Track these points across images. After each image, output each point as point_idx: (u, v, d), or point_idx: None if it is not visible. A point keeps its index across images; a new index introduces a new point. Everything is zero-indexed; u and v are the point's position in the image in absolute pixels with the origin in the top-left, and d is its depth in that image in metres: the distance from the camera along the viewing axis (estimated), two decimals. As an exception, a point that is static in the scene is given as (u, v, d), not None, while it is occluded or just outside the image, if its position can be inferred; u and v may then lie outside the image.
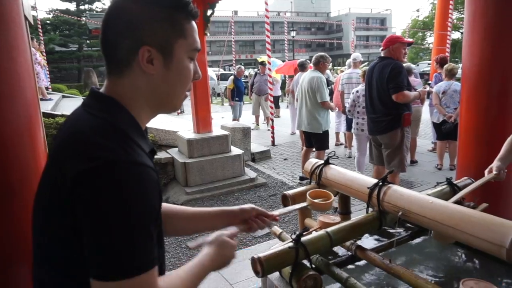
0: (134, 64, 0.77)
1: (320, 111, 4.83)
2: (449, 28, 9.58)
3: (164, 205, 1.03)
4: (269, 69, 7.76)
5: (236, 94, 8.97)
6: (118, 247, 0.65)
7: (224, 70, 23.77)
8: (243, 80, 9.85)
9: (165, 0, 0.77)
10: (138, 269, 0.66)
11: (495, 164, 1.86)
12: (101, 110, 0.76)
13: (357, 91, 4.73)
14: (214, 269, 0.92)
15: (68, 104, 9.11)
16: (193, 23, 0.83)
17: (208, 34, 5.57)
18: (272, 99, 7.85)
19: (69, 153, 0.71)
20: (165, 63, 0.78)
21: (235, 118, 9.11)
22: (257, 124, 9.68)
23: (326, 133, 4.94)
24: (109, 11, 0.77)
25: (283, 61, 12.86)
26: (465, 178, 1.92)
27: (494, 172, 1.82)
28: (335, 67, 18.21)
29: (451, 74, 5.41)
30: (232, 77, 9.16)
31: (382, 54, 3.68)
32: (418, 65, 21.68)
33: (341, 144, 7.17)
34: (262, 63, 9.07)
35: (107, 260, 0.65)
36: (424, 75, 13.78)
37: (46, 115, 4.98)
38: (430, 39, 28.85)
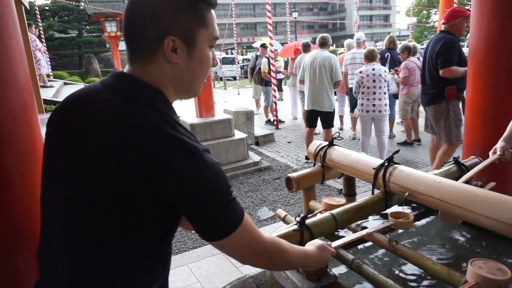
0: (159, 53, 0.79)
1: (332, 90, 4.95)
2: (454, 5, 9.35)
3: None
4: (272, 51, 7.48)
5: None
6: (226, 209, 0.78)
7: (226, 53, 23.53)
8: (241, 64, 9.37)
9: None
10: (241, 218, 0.80)
11: (499, 144, 1.83)
12: (146, 99, 0.79)
13: (361, 72, 4.66)
14: (311, 263, 1.08)
15: (69, 91, 9.05)
16: (213, 11, 0.85)
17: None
18: (275, 82, 7.74)
19: (148, 146, 0.72)
20: (188, 52, 0.81)
21: (268, 105, 8.20)
22: (258, 108, 9.56)
23: (334, 112, 5.13)
24: (132, 4, 0.79)
25: (282, 44, 12.56)
26: (473, 157, 1.89)
27: (498, 153, 1.80)
28: (337, 48, 17.94)
29: None
30: (265, 59, 8.00)
31: (443, 28, 3.67)
32: (422, 44, 21.31)
33: (341, 129, 7.09)
34: (263, 46, 8.86)
35: (222, 221, 0.78)
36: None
37: (47, 102, 4.96)
38: (435, 17, 28.25)
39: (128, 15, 0.80)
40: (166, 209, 0.78)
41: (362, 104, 4.73)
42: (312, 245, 1.08)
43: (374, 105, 4.58)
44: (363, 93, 4.66)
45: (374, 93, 4.54)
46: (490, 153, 1.85)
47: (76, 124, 0.80)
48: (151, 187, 0.73)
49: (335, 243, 1.21)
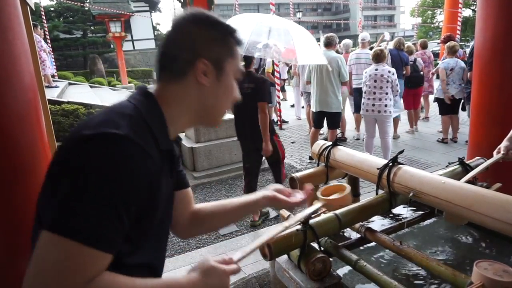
0: (189, 74, 0.85)
1: (340, 90, 4.94)
2: (460, 5, 9.29)
3: (210, 206, 1.08)
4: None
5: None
6: (79, 208, 0.64)
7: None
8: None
9: (221, 25, 0.88)
10: (86, 238, 0.64)
11: (503, 144, 1.82)
12: (136, 99, 0.83)
13: (365, 72, 4.69)
14: None
15: (74, 91, 9.12)
16: (239, 49, 0.94)
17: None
18: (279, 83, 7.72)
19: (78, 124, 0.75)
20: (217, 77, 0.87)
21: (272, 106, 7.36)
22: None
23: (341, 112, 5.15)
24: (172, 28, 0.87)
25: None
26: (478, 158, 1.87)
27: (502, 152, 1.78)
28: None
29: (453, 51, 5.65)
30: (270, 60, 7.06)
31: None
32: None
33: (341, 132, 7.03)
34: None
35: (62, 214, 0.65)
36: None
37: (52, 102, 4.99)
38: (440, 17, 28.11)
39: (165, 41, 0.87)
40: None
41: (363, 103, 4.76)
42: (195, 271, 0.80)
43: (373, 105, 4.58)
44: (365, 92, 4.69)
45: (375, 93, 4.54)
46: (494, 152, 1.83)
47: None
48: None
49: (236, 255, 0.88)
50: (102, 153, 0.68)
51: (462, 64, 5.54)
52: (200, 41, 0.85)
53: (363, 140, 5.49)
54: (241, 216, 1.11)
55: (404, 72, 5.98)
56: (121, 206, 0.68)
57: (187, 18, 0.87)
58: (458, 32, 9.08)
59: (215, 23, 0.88)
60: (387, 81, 4.47)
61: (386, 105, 4.55)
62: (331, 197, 1.17)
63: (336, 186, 1.23)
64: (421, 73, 6.41)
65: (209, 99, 0.89)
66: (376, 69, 4.51)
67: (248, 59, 3.45)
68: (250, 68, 3.46)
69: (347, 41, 6.80)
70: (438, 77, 6.01)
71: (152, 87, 0.89)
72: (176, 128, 0.89)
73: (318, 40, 5.82)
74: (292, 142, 6.56)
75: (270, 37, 4.04)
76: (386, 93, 4.52)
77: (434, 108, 8.17)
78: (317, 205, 1.17)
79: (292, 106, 9.19)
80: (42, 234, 0.65)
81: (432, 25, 30.67)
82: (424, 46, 7.21)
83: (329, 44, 4.98)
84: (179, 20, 0.87)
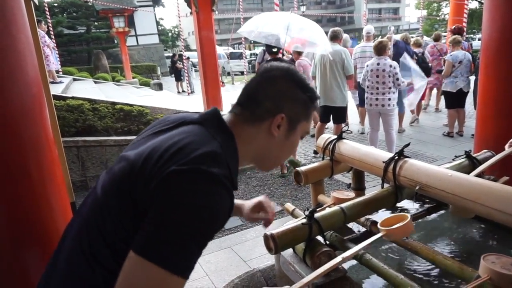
0: (265, 123, 0.92)
1: (345, 84, 4.91)
2: (466, -3, 9.17)
3: None
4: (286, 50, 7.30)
5: None
6: (171, 239, 0.70)
7: (234, 48, 23.46)
8: (249, 58, 9.37)
9: (309, 90, 0.96)
10: (174, 267, 0.70)
11: None
12: (220, 136, 0.86)
13: (367, 65, 4.65)
14: None
15: (78, 87, 9.15)
16: (314, 114, 1.02)
17: (216, 12, 5.46)
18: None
19: (172, 153, 0.76)
20: (287, 132, 0.95)
21: None
22: None
23: (347, 107, 5.14)
24: (266, 77, 0.94)
25: None
26: (485, 151, 1.85)
27: None
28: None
29: (455, 42, 5.69)
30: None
31: None
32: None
33: (346, 125, 7.00)
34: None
35: (155, 241, 0.70)
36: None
37: (56, 97, 5.00)
38: (446, 10, 27.77)
39: (256, 86, 0.95)
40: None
41: (366, 98, 4.74)
42: None
43: (377, 99, 4.55)
44: (367, 87, 4.66)
45: (377, 88, 4.51)
46: (506, 146, 1.81)
47: None
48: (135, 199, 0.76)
49: (341, 256, 0.99)
50: (201, 191, 0.73)
51: (470, 56, 5.53)
52: (287, 99, 0.93)
53: (367, 134, 5.47)
54: None
55: None
56: (208, 241, 0.76)
57: (283, 74, 0.94)
58: (464, 24, 8.96)
59: (305, 87, 0.96)
60: (389, 76, 4.43)
61: (389, 99, 4.52)
62: (393, 227, 1.15)
63: (396, 216, 1.20)
64: (430, 64, 6.37)
65: (273, 150, 0.97)
66: (378, 64, 4.46)
67: (277, 48, 4.86)
68: (278, 55, 4.80)
69: (345, 36, 6.77)
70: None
71: (226, 117, 0.94)
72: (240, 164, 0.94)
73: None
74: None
75: (288, 31, 4.79)
76: (389, 87, 4.49)
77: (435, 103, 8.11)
78: (378, 234, 1.18)
79: None
80: (133, 257, 0.70)
81: (438, 18, 30.31)
82: (436, 39, 7.15)
83: (335, 37, 4.94)
84: (275, 72, 0.94)
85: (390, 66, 4.42)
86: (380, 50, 4.46)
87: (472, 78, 5.84)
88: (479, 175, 1.49)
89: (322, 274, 1.05)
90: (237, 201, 1.19)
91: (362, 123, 6.51)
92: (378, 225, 1.19)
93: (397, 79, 4.45)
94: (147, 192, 0.74)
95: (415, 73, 5.07)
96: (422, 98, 6.70)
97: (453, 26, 6.66)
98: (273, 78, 0.94)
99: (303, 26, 5.00)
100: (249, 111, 0.93)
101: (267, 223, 1.26)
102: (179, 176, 0.72)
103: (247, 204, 1.26)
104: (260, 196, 1.28)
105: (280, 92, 0.93)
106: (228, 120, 0.94)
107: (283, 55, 7.17)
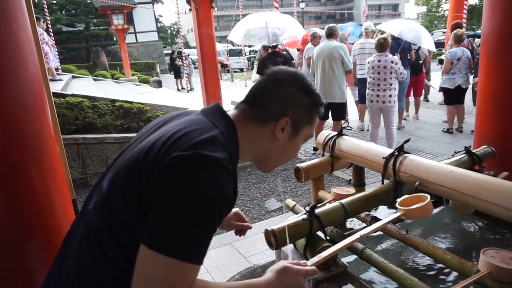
0: (270, 125, 0.94)
1: (344, 80, 4.91)
2: (466, -7, 9.15)
3: None
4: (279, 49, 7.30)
5: None
6: (178, 227, 0.71)
7: (233, 45, 23.39)
8: (248, 55, 9.50)
9: (315, 97, 0.98)
10: (185, 255, 0.71)
11: None
12: (221, 124, 0.87)
13: (368, 62, 4.65)
14: None
15: (78, 84, 9.14)
16: (318, 119, 1.04)
17: (216, 9, 5.46)
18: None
19: (174, 140, 0.78)
20: (291, 136, 0.97)
21: None
22: None
23: (346, 103, 5.15)
24: (273, 80, 0.96)
25: None
26: (485, 146, 1.86)
27: None
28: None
29: (460, 40, 5.63)
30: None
31: None
32: (432, 34, 20.95)
33: (346, 121, 7.02)
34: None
35: (163, 232, 0.71)
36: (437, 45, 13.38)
37: (56, 95, 5.00)
38: (446, 6, 27.69)
39: (264, 87, 0.96)
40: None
41: (368, 94, 4.74)
42: (271, 271, 0.88)
43: (378, 95, 4.57)
44: (369, 83, 4.66)
45: (379, 84, 4.52)
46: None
47: None
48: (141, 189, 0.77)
49: (311, 260, 0.95)
50: (204, 176, 0.73)
51: (469, 53, 5.52)
52: (293, 103, 0.94)
53: (367, 130, 5.47)
54: None
55: (408, 57, 5.95)
56: (216, 225, 0.78)
57: (290, 78, 0.96)
58: (464, 20, 8.94)
59: (311, 93, 0.97)
60: (391, 72, 4.44)
61: (390, 95, 4.53)
62: (412, 207, 1.13)
63: (415, 197, 1.18)
64: (420, 61, 6.41)
65: (275, 151, 0.98)
66: (379, 60, 4.47)
67: (274, 46, 5.65)
68: (276, 49, 5.61)
69: (341, 33, 6.79)
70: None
71: (231, 112, 0.96)
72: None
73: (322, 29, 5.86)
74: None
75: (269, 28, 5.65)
76: (391, 84, 4.49)
77: (439, 98, 8.12)
78: (397, 213, 1.16)
79: None
80: (145, 251, 0.72)
81: (437, 14, 30.25)
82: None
83: (331, 34, 4.97)
84: (282, 76, 0.96)
85: (392, 62, 4.44)
86: (382, 46, 4.47)
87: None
88: (478, 170, 1.50)
89: (341, 250, 1.06)
90: None
91: (361, 119, 6.51)
92: (397, 205, 1.19)
93: (400, 73, 4.51)
94: (151, 181, 0.75)
95: None
96: (417, 94, 6.74)
97: (453, 22, 6.66)
98: (280, 82, 0.96)
99: (279, 18, 6.00)
100: (255, 110, 0.95)
101: (241, 232, 1.31)
102: (180, 162, 0.73)
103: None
104: (234, 209, 1.25)
105: (286, 96, 0.94)
106: (233, 115, 0.95)
107: (285, 50, 7.40)
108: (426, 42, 5.83)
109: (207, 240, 0.76)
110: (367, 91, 4.74)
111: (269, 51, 5.68)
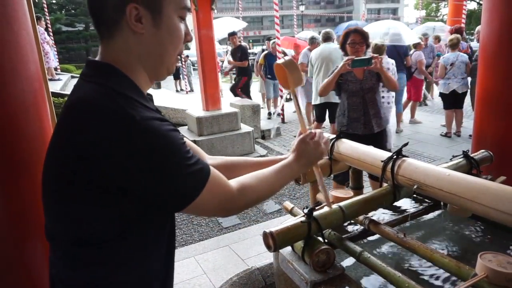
0: (122, 24, 0.75)
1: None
2: (464, -2, 9.20)
3: (227, 158, 1.23)
4: (279, 52, 7.31)
5: (269, 71, 8.15)
6: (185, 176, 0.75)
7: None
8: (250, 57, 9.66)
9: None
10: (205, 179, 0.78)
11: None
12: (99, 77, 0.76)
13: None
14: (303, 167, 1.09)
15: (77, 84, 9.13)
16: None
17: (216, 11, 5.49)
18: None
19: (78, 122, 0.71)
20: (154, 22, 0.77)
21: (269, 98, 8.56)
22: (264, 102, 9.48)
23: None
24: None
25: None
26: (483, 151, 1.86)
27: None
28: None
29: (451, 45, 5.71)
30: (263, 52, 8.47)
31: None
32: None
33: None
34: (268, 39, 8.88)
35: (184, 189, 0.76)
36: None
37: (55, 94, 4.99)
38: (445, 11, 27.83)
39: (92, 8, 0.77)
40: (115, 193, 0.73)
41: None
42: (292, 152, 1.09)
43: None
44: None
45: None
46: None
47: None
48: (92, 169, 0.70)
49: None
50: (155, 132, 0.72)
51: (465, 57, 5.55)
52: None
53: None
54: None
55: (405, 62, 6.02)
56: (186, 150, 0.77)
57: None
58: (463, 25, 8.99)
59: None
60: None
61: (383, 97, 4.56)
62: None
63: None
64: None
65: (153, 48, 0.78)
66: None
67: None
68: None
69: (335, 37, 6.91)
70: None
71: (98, 56, 0.81)
72: (143, 87, 0.82)
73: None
74: (295, 136, 6.55)
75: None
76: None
77: (437, 102, 8.15)
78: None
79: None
80: (191, 206, 0.77)
81: (436, 18, 30.39)
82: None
83: (328, 38, 5.14)
84: None
85: (387, 63, 4.48)
86: (380, 51, 4.49)
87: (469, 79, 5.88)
88: (476, 175, 1.50)
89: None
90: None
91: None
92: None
93: (393, 73, 4.54)
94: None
95: None
96: (415, 99, 6.77)
97: (453, 27, 6.74)
98: None
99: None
100: (100, 24, 0.77)
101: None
102: (133, 127, 0.70)
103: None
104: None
105: None
106: (100, 54, 0.80)
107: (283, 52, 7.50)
108: (408, 38, 5.96)
109: (198, 167, 0.77)
110: None
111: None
